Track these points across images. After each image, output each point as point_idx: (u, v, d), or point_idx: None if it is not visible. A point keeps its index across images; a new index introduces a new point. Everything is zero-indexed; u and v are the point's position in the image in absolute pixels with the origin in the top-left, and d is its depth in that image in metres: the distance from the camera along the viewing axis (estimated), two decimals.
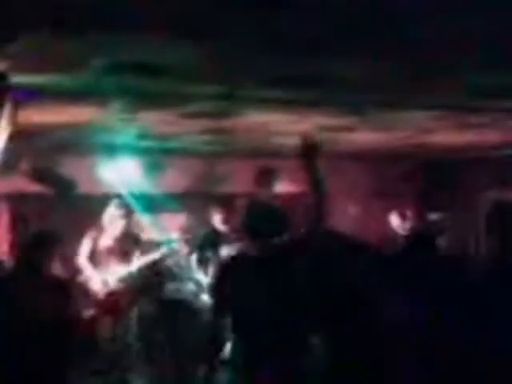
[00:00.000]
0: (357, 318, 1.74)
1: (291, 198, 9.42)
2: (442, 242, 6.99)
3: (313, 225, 4.13)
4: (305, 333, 3.12)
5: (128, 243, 7.70)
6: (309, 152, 4.48)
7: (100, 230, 7.68)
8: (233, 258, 4.61)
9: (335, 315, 1.72)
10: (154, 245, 8.05)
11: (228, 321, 4.03)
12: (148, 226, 8.57)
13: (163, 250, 7.87)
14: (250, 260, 4.05)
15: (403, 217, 8.35)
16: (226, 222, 7.83)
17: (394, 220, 8.46)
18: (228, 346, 4.13)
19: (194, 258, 7.72)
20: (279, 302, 3.48)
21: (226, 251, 7.24)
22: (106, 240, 7.66)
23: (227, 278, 4.06)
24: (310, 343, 3.13)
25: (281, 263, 3.69)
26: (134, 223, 8.09)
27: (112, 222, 7.65)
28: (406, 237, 7.40)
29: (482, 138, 7.89)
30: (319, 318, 1.77)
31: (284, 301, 3.52)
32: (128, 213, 7.87)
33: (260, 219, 4.18)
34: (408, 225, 8.23)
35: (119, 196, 8.08)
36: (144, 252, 7.77)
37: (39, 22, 3.21)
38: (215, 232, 7.86)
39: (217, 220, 7.91)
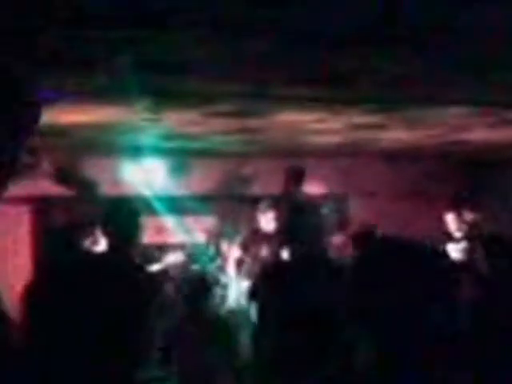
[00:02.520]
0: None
1: (320, 198, 9.44)
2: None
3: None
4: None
5: None
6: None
7: None
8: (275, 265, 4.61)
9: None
10: (180, 248, 8.09)
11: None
12: (173, 229, 8.62)
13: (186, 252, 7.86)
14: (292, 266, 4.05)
15: (460, 218, 8.13)
16: (276, 220, 7.66)
17: (451, 221, 8.20)
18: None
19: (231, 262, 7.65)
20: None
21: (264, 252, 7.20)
22: None
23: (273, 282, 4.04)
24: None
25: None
26: None
27: None
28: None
29: None
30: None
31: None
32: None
33: (304, 223, 4.17)
34: (464, 227, 8.04)
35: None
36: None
37: (63, 18, 3.26)
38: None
39: (264, 220, 7.73)
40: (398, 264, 1.78)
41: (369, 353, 1.78)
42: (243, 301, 6.95)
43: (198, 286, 5.65)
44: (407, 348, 1.77)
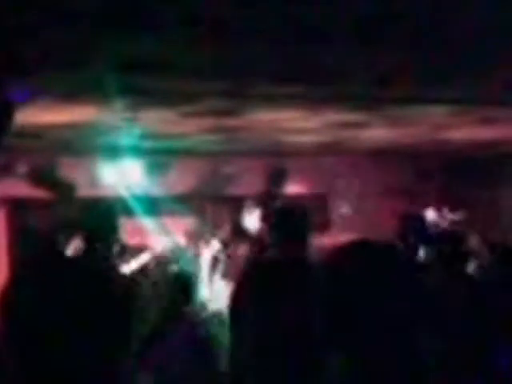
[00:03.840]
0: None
1: (301, 199, 9.46)
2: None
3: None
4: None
5: None
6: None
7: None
8: (256, 265, 4.59)
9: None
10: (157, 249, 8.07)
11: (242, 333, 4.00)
12: (151, 231, 8.60)
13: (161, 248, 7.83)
14: (275, 267, 4.04)
15: (440, 213, 8.22)
16: (264, 220, 7.61)
17: (430, 216, 8.29)
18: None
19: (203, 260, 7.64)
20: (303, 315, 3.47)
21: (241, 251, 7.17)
22: None
23: (248, 285, 4.03)
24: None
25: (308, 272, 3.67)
26: None
27: None
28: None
29: (506, 132, 7.89)
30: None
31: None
32: None
33: (294, 222, 4.17)
34: (445, 222, 8.14)
35: None
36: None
37: (46, 18, 3.25)
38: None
39: (249, 219, 7.70)
40: (380, 279, 1.78)
41: (345, 372, 1.78)
42: (218, 304, 6.94)
43: (177, 286, 5.63)
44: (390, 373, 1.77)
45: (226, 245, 7.36)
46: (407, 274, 1.83)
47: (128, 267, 7.25)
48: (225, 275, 7.01)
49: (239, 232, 7.48)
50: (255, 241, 7.29)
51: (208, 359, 5.13)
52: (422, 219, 7.56)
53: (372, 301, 1.73)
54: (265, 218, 7.55)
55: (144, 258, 7.56)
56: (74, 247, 6.91)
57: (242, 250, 7.21)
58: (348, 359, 1.76)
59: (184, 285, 5.68)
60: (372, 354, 1.74)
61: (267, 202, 8.01)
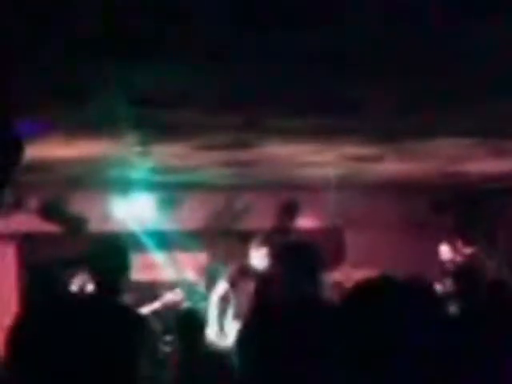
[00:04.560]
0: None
1: (314, 233, 9.41)
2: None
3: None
4: None
5: None
6: None
7: None
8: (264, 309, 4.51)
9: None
10: (170, 286, 8.02)
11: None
12: (163, 266, 8.56)
13: (178, 291, 7.77)
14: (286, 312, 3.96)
15: (454, 249, 8.16)
16: (273, 257, 7.55)
17: (445, 252, 8.23)
18: None
19: (214, 298, 7.58)
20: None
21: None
22: None
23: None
24: None
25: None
26: None
27: None
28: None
29: None
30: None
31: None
32: None
33: (299, 263, 4.08)
34: (459, 257, 8.07)
35: None
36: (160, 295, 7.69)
37: (51, 47, 3.26)
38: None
39: (256, 256, 7.66)
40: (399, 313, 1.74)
41: None
42: (225, 342, 6.85)
43: (189, 322, 5.58)
44: None
45: (233, 284, 7.30)
46: (430, 311, 1.78)
47: (146, 308, 7.21)
48: (237, 316, 6.94)
49: (246, 271, 7.43)
50: (262, 279, 7.23)
51: None
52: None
53: (397, 338, 1.69)
54: (274, 255, 7.49)
55: (156, 305, 7.49)
56: (79, 283, 6.90)
57: (250, 288, 7.14)
58: None
59: (194, 322, 5.64)
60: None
61: (278, 237, 7.96)
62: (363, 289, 1.80)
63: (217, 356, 5.67)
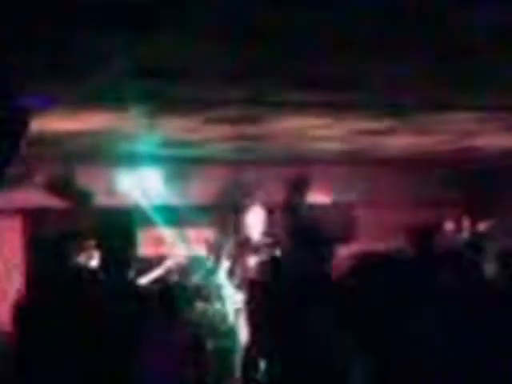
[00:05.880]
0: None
1: (325, 208, 9.43)
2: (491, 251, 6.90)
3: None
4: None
5: None
6: None
7: None
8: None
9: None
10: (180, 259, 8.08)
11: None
12: (171, 240, 8.61)
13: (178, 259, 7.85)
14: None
15: (459, 225, 8.23)
16: (270, 228, 7.61)
17: (450, 228, 8.29)
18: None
19: (222, 272, 7.64)
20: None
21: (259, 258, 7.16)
22: None
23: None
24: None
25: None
26: None
27: None
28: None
29: None
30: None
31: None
32: None
33: (313, 235, 4.19)
34: (465, 234, 8.13)
35: None
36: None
37: (59, 21, 3.27)
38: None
39: (255, 227, 7.70)
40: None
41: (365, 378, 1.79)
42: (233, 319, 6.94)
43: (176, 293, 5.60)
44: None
45: (234, 258, 7.37)
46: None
47: (145, 279, 7.28)
48: (239, 287, 7.04)
49: (244, 242, 7.49)
50: (261, 249, 7.28)
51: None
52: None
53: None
54: (285, 227, 7.53)
55: (160, 270, 7.57)
56: (86, 256, 6.98)
57: (249, 261, 7.21)
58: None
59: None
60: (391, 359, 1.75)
61: (288, 210, 7.99)
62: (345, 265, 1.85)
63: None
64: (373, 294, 1.74)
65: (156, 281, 7.37)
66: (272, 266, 5.44)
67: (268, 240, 7.30)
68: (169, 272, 7.65)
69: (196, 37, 3.61)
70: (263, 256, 6.82)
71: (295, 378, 3.81)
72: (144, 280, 7.25)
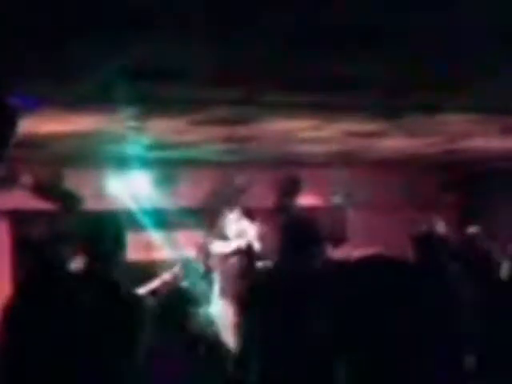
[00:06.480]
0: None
1: (316, 211, 9.43)
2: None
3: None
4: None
5: None
6: None
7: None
8: (266, 277, 4.61)
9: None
10: (168, 266, 8.05)
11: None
12: (161, 244, 8.58)
13: (177, 270, 7.82)
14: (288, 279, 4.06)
15: (460, 230, 8.26)
16: (264, 236, 7.66)
17: (441, 229, 8.33)
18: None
19: (211, 275, 7.64)
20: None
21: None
22: None
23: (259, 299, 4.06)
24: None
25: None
26: None
27: None
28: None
29: None
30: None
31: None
32: None
33: (303, 233, 4.21)
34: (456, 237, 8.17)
35: None
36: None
37: (44, 24, 3.25)
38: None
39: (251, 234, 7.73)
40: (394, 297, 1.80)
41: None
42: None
43: (173, 302, 5.56)
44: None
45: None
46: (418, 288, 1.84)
47: (142, 290, 7.23)
48: (222, 294, 7.07)
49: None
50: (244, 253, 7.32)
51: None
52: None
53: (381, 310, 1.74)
54: (276, 230, 7.53)
55: (154, 284, 7.51)
56: (73, 261, 6.93)
57: (233, 263, 7.23)
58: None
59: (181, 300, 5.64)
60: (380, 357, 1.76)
61: (279, 213, 7.99)
62: (355, 265, 1.85)
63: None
64: (367, 295, 1.74)
65: (153, 292, 7.33)
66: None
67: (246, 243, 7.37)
68: (165, 285, 7.60)
69: (184, 37, 3.60)
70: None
71: (282, 377, 3.82)
72: (142, 290, 7.20)
